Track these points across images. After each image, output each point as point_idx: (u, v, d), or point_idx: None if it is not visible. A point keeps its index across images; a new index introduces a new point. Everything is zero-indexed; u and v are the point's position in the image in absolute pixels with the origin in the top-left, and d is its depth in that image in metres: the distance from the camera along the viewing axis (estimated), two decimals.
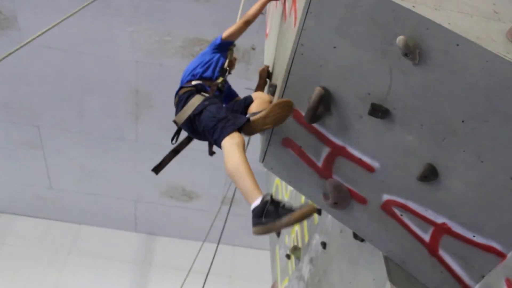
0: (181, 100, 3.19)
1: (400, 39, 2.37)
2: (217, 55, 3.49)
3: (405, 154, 2.71)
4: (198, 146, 9.13)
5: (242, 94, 7.60)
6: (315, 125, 2.94)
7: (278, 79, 3.20)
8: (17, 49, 4.34)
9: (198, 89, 3.24)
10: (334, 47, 2.61)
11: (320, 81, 2.75)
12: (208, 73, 3.38)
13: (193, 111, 3.02)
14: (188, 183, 9.57)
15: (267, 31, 4.79)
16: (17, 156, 9.50)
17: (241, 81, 7.77)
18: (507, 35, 2.45)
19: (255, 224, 2.53)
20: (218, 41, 3.55)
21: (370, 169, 2.87)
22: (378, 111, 2.61)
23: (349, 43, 2.56)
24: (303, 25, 2.64)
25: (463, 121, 2.47)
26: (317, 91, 2.72)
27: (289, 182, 3.48)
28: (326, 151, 3.00)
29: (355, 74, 2.63)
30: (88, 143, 9.07)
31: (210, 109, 2.96)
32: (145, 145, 8.87)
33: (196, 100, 3.07)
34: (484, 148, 2.46)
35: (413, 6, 2.39)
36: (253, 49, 7.17)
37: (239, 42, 6.85)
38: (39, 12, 7.22)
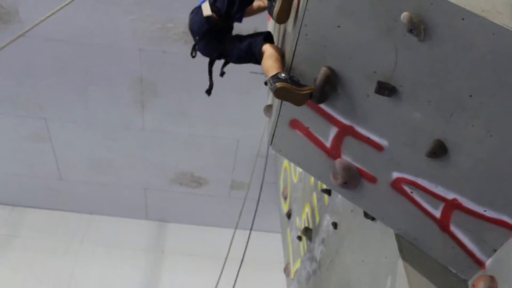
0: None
1: (404, 15, 2.35)
2: None
3: (413, 131, 2.70)
4: (204, 131, 9.16)
5: (246, 79, 7.61)
6: (322, 106, 2.94)
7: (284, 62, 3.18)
8: (18, 37, 4.34)
9: None
10: (338, 27, 2.60)
11: (326, 61, 2.74)
12: None
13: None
14: (196, 169, 9.59)
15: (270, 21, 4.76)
16: (25, 149, 9.55)
17: (244, 65, 7.77)
18: None
19: (275, 81, 2.83)
20: None
21: (378, 147, 2.87)
22: (385, 89, 2.60)
23: (353, 21, 2.54)
24: (306, 5, 2.62)
25: (470, 96, 2.45)
26: (322, 71, 2.71)
27: (298, 163, 3.49)
28: (334, 131, 3.01)
29: (360, 52, 2.62)
30: (95, 133, 9.10)
31: None
32: (152, 133, 8.89)
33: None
34: (493, 122, 2.45)
35: None
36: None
37: (241, 26, 6.82)
38: (40, 5, 7.18)
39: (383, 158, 2.89)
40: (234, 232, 6.49)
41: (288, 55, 2.90)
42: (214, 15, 3.25)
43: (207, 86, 7.35)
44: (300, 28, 2.70)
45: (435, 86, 2.52)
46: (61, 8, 3.90)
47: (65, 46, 7.78)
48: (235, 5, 3.30)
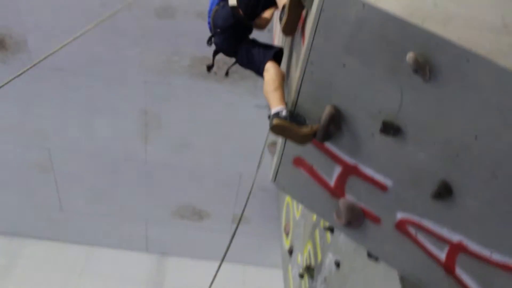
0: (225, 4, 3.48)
1: (410, 56, 2.35)
2: None
3: (418, 172, 2.67)
4: (207, 164, 9.14)
5: (250, 113, 7.63)
6: (327, 144, 2.92)
7: (288, 97, 3.18)
8: (24, 71, 4.38)
9: None
10: (344, 65, 2.60)
11: (331, 99, 2.73)
12: None
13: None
14: (198, 202, 9.54)
15: (275, 43, 4.80)
16: (27, 178, 9.54)
17: (250, 99, 7.82)
18: None
19: (275, 117, 2.90)
20: None
21: (383, 187, 2.83)
22: (390, 129, 2.59)
23: (358, 61, 2.55)
24: (312, 43, 2.63)
25: (476, 137, 2.43)
26: (327, 110, 2.70)
27: (301, 201, 3.45)
28: (338, 170, 2.98)
29: (365, 92, 2.61)
30: (98, 165, 9.09)
31: None
32: (155, 165, 8.88)
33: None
34: (499, 164, 2.42)
35: (422, 22, 2.37)
36: None
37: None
38: (48, 35, 7.30)
39: (387, 199, 2.85)
40: (219, 265, 6.34)
41: (293, 93, 2.89)
42: (240, 11, 3.36)
43: (211, 119, 7.47)
44: (306, 65, 2.71)
45: (440, 126, 2.50)
46: (73, 40, 3.94)
47: (71, 76, 7.85)
48: (258, 4, 3.43)
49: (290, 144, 3.08)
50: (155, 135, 8.42)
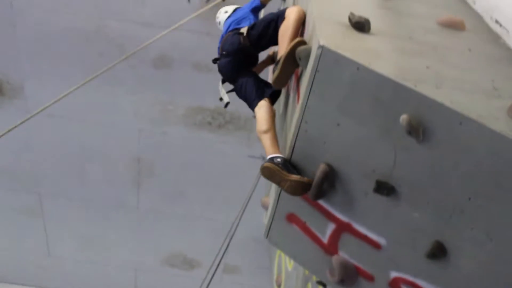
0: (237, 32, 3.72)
1: (403, 118, 2.38)
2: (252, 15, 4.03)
3: (412, 231, 2.66)
4: (199, 213, 9.07)
5: (244, 163, 7.65)
6: (320, 201, 2.91)
7: (282, 153, 3.20)
8: (23, 121, 4.39)
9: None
10: (338, 125, 2.63)
11: (325, 157, 2.75)
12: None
13: (248, 27, 3.66)
14: (189, 251, 9.42)
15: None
16: (16, 223, 9.42)
17: (243, 149, 7.85)
18: (508, 113, 2.47)
19: (268, 161, 2.96)
20: (257, 4, 4.12)
21: (377, 246, 2.82)
22: (384, 189, 2.60)
23: (352, 120, 2.58)
24: (306, 102, 2.67)
25: (469, 199, 2.44)
26: (321, 168, 2.71)
27: (293, 258, 3.41)
28: (331, 227, 2.96)
29: (359, 151, 2.63)
30: (89, 211, 9.01)
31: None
32: (147, 213, 8.82)
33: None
34: (493, 226, 2.42)
35: (415, 85, 2.42)
36: (255, 117, 7.24)
37: (241, 110, 6.98)
38: (45, 82, 7.38)
39: (381, 257, 2.83)
40: None
41: (287, 150, 2.91)
42: (247, 39, 3.56)
43: (204, 168, 7.47)
44: (300, 124, 2.74)
45: (434, 187, 2.51)
46: (72, 91, 3.98)
47: (66, 122, 7.88)
48: (264, 38, 3.58)
49: (284, 200, 3.08)
50: (148, 182, 8.40)
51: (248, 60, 3.74)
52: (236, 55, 3.65)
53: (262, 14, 4.43)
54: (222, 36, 3.90)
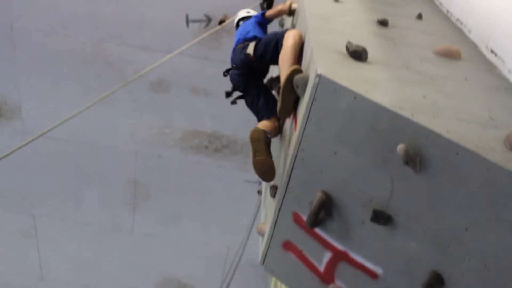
0: (245, 47, 3.90)
1: (400, 147, 2.38)
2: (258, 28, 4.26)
3: (409, 261, 2.64)
4: (195, 237, 8.98)
5: (240, 187, 7.64)
6: (317, 229, 2.89)
7: (279, 181, 3.19)
8: (22, 146, 4.36)
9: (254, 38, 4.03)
10: (335, 153, 2.63)
11: (321, 185, 2.74)
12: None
13: (255, 43, 3.80)
14: (184, 275, 9.32)
15: None
16: (9, 244, 9.32)
17: (240, 173, 7.84)
18: (505, 143, 2.47)
19: (262, 129, 3.31)
20: (260, 19, 4.30)
21: (373, 275, 2.79)
22: (381, 218, 2.58)
23: (349, 149, 2.58)
24: (303, 131, 2.67)
25: (467, 229, 2.43)
26: (318, 196, 2.70)
27: (289, 285, 3.37)
28: (328, 255, 2.93)
29: (356, 180, 2.63)
30: (83, 233, 8.93)
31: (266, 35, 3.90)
32: (142, 236, 8.75)
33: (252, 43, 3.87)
34: (490, 256, 2.40)
35: (412, 115, 2.43)
36: None
37: (237, 135, 6.98)
38: (42, 103, 7.38)
39: (377, 286, 2.80)
40: None
41: (284, 177, 2.90)
42: (253, 55, 3.75)
43: (201, 192, 7.41)
44: (297, 152, 2.73)
45: (431, 217, 2.50)
46: (74, 116, 3.98)
47: (63, 144, 7.87)
48: (267, 56, 3.75)
49: (280, 227, 3.06)
50: (144, 205, 8.35)
51: (256, 73, 3.93)
52: (244, 69, 3.89)
53: None
54: (236, 45, 4.08)
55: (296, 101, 3.09)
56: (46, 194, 8.57)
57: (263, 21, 4.31)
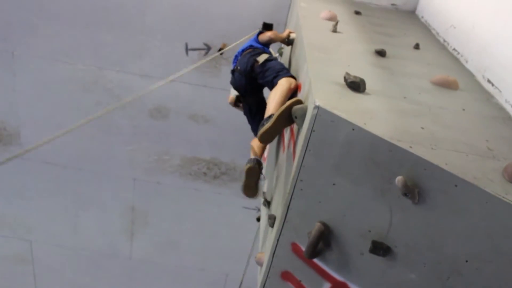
0: (256, 54, 4.05)
1: (399, 179, 2.39)
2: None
3: None
4: (193, 264, 8.89)
5: (238, 214, 7.61)
6: (316, 260, 2.87)
7: (277, 210, 3.18)
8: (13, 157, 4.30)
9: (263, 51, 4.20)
10: (334, 184, 2.62)
11: (320, 216, 2.73)
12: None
13: (267, 58, 3.89)
14: None
15: (265, 154, 4.85)
16: (5, 270, 9.22)
17: (238, 200, 7.81)
18: (503, 174, 2.48)
19: (254, 161, 3.68)
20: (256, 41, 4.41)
21: None
22: (380, 249, 2.57)
23: (348, 180, 2.58)
24: (302, 161, 2.67)
25: (467, 261, 2.43)
26: (317, 227, 2.69)
27: None
28: (326, 286, 2.91)
29: (355, 211, 2.62)
30: (80, 259, 8.86)
31: (277, 61, 3.93)
32: (139, 262, 8.67)
33: (266, 55, 4.01)
34: None
35: (410, 147, 2.44)
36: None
37: (236, 162, 6.97)
38: (42, 130, 7.38)
39: None
40: None
41: (282, 207, 2.90)
42: (260, 64, 3.87)
43: (199, 219, 7.35)
44: (296, 182, 2.73)
45: (430, 248, 2.49)
46: (60, 135, 3.93)
47: (61, 170, 7.85)
48: (263, 77, 3.87)
49: (278, 258, 3.03)
50: (141, 232, 8.30)
51: (257, 84, 3.98)
52: (247, 77, 4.00)
53: None
54: (242, 50, 4.23)
55: (282, 130, 3.28)
56: (43, 219, 8.52)
57: (259, 45, 4.34)
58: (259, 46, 4.28)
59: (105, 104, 6.84)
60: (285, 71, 3.65)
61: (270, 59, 3.88)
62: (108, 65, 6.64)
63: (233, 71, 4.18)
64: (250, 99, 4.16)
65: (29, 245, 8.94)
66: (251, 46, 4.20)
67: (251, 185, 3.66)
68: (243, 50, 4.21)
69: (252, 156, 3.77)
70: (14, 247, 8.95)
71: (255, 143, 3.87)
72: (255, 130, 4.15)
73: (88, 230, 8.47)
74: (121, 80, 6.71)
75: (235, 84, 4.18)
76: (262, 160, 3.78)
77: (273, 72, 3.67)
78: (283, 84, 3.40)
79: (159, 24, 6.26)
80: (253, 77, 3.93)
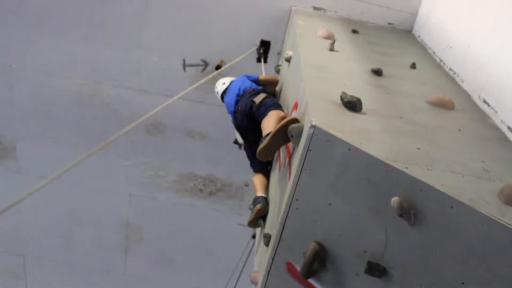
0: (254, 94, 4.27)
1: (394, 200, 2.38)
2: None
3: None
4: (187, 281, 8.78)
5: (234, 231, 7.57)
6: (310, 280, 2.85)
7: (272, 229, 3.17)
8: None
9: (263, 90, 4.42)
10: (329, 204, 2.61)
11: (315, 236, 2.72)
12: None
13: (263, 98, 4.10)
14: None
15: None
16: None
17: (234, 217, 7.78)
18: (499, 196, 2.47)
19: (262, 200, 3.84)
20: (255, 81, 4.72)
21: None
22: (375, 270, 2.55)
23: (344, 200, 2.57)
24: (298, 180, 2.66)
25: (463, 283, 2.40)
26: (312, 246, 2.67)
27: None
28: None
29: (350, 231, 2.61)
30: (74, 275, 8.77)
31: (271, 98, 4.17)
32: (133, 279, 8.59)
33: (264, 94, 4.23)
34: None
35: (406, 168, 2.43)
36: (247, 185, 7.24)
37: (232, 178, 6.94)
38: (37, 144, 7.37)
39: None
40: None
41: (277, 226, 2.88)
42: (256, 104, 4.07)
43: (194, 236, 7.28)
44: (291, 201, 2.72)
45: (426, 270, 2.47)
46: (66, 170, 3.90)
47: (56, 185, 7.76)
48: (258, 114, 4.09)
49: (273, 277, 3.01)
50: (136, 248, 8.23)
51: (258, 122, 4.04)
52: (247, 116, 4.17)
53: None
54: (245, 89, 4.45)
55: (279, 147, 3.32)
56: (36, 234, 8.45)
57: (257, 85, 4.61)
58: (259, 87, 4.53)
59: (102, 118, 6.83)
60: (275, 105, 3.93)
61: (266, 98, 4.10)
62: (106, 79, 6.64)
63: (234, 112, 4.37)
64: (251, 137, 4.28)
65: (22, 260, 8.85)
66: (254, 88, 4.42)
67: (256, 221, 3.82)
68: (245, 89, 4.46)
69: (259, 194, 3.90)
70: (6, 261, 8.87)
71: (257, 180, 4.10)
72: (254, 166, 4.31)
73: (82, 245, 8.40)
74: (119, 95, 6.71)
75: (236, 124, 4.37)
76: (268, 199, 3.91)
77: (265, 108, 3.93)
78: (272, 113, 3.72)
79: (157, 39, 6.28)
80: (252, 115, 4.12)
